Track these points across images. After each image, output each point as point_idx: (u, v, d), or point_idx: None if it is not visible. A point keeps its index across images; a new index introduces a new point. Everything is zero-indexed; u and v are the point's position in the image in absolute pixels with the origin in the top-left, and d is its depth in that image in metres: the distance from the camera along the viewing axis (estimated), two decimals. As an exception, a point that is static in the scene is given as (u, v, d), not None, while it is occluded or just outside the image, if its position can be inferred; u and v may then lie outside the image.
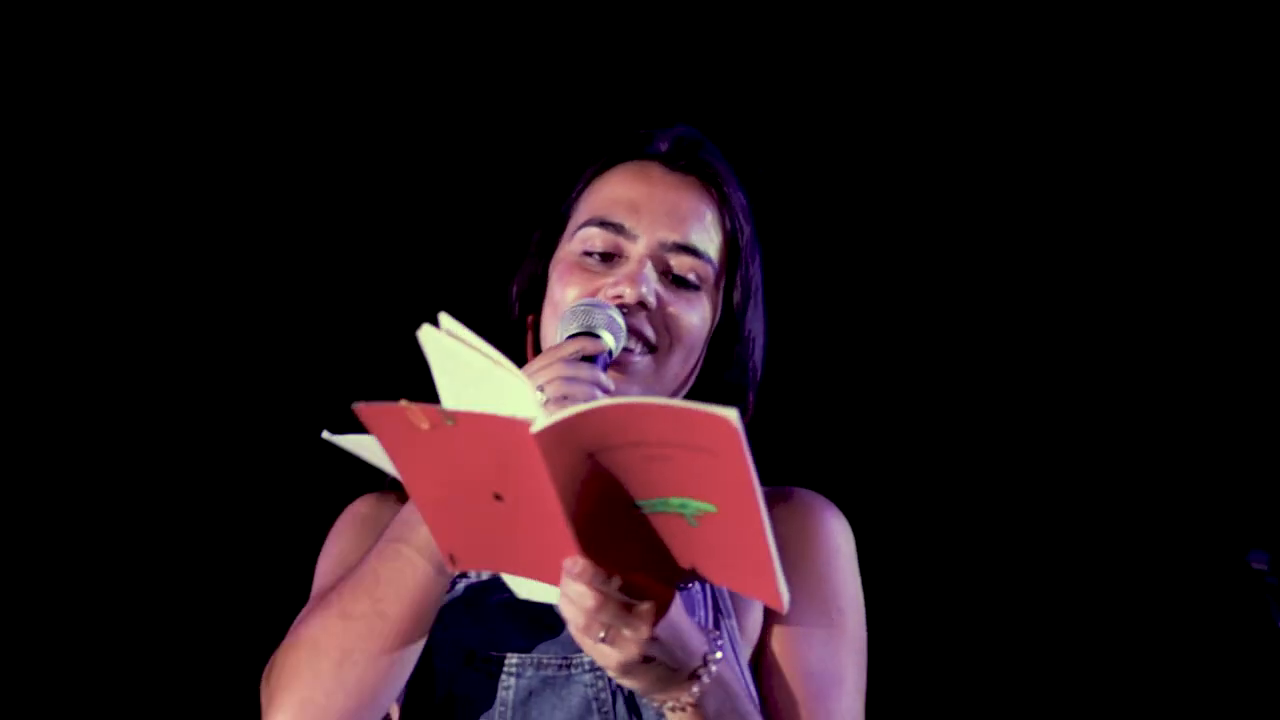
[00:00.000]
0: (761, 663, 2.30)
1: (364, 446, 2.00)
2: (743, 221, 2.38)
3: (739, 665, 2.25)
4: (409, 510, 2.15)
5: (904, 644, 3.49)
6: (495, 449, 1.84)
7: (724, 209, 2.37)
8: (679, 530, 1.87)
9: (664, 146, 2.39)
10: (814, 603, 2.31)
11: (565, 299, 2.31)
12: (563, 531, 1.87)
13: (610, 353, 2.20)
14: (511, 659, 2.21)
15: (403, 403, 1.86)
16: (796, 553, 2.32)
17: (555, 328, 2.25)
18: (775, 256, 2.49)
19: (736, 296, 2.37)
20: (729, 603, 2.28)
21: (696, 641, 2.00)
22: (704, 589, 2.27)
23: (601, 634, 1.91)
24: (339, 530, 2.40)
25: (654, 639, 1.92)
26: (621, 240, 2.32)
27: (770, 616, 2.31)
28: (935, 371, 3.59)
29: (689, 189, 2.37)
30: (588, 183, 2.39)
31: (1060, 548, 3.56)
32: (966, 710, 3.58)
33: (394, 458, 1.92)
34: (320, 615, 2.13)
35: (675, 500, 1.85)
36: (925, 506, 3.59)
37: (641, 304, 2.28)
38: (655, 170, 2.38)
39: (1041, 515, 3.56)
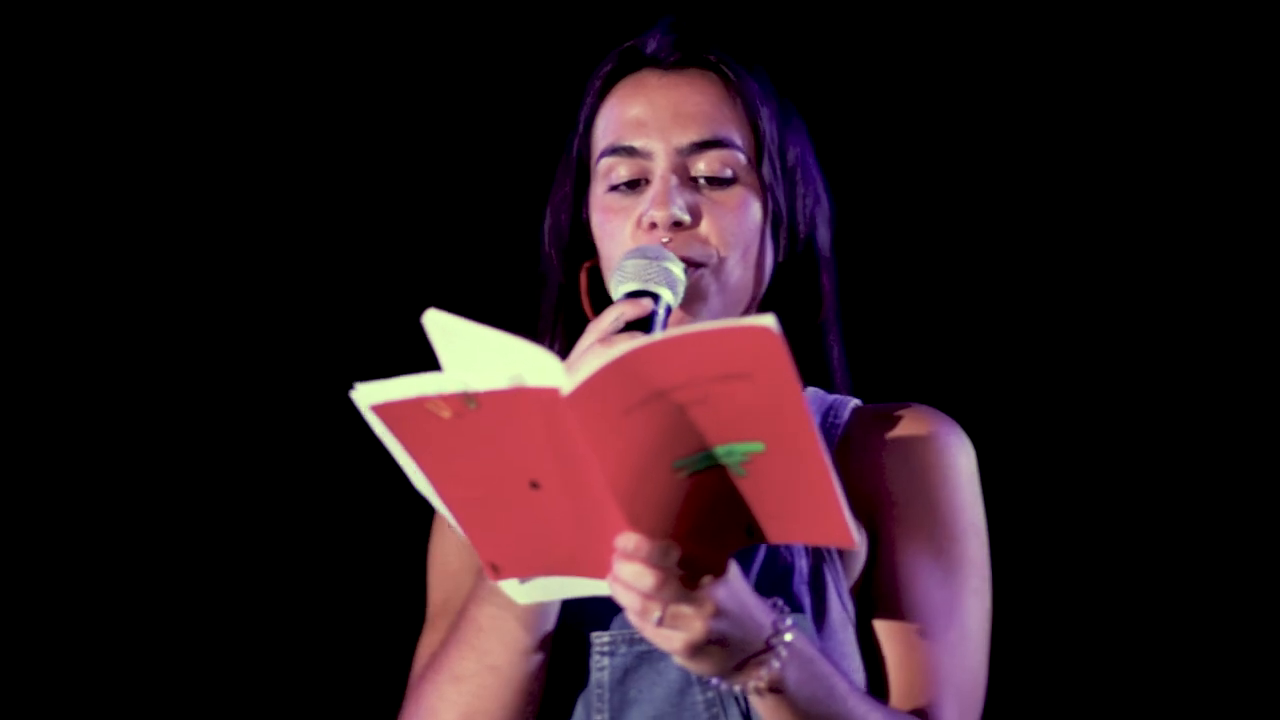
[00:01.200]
0: (869, 599, 2.14)
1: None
2: (758, 97, 2.21)
3: (845, 609, 2.10)
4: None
5: (1030, 590, 3.31)
6: (526, 428, 1.70)
7: (733, 91, 2.21)
8: (728, 486, 1.71)
9: (651, 48, 2.25)
10: (924, 528, 2.15)
11: (610, 250, 2.17)
12: (609, 512, 1.72)
13: (669, 307, 2.07)
14: (603, 637, 2.10)
15: (411, 381, 1.73)
16: (905, 473, 2.16)
17: (613, 285, 2.11)
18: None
19: (766, 174, 2.20)
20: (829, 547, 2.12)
21: (763, 612, 1.84)
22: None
23: (660, 615, 1.76)
24: (435, 534, 2.29)
25: (719, 612, 1.78)
26: (640, 162, 2.19)
27: (877, 548, 2.14)
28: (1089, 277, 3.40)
29: (690, 83, 2.22)
30: (593, 114, 2.25)
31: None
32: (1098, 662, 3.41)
33: (418, 461, 1.77)
34: (432, 681, 2.04)
35: (720, 449, 1.69)
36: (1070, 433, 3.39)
37: (677, 223, 2.15)
38: (651, 78, 2.23)
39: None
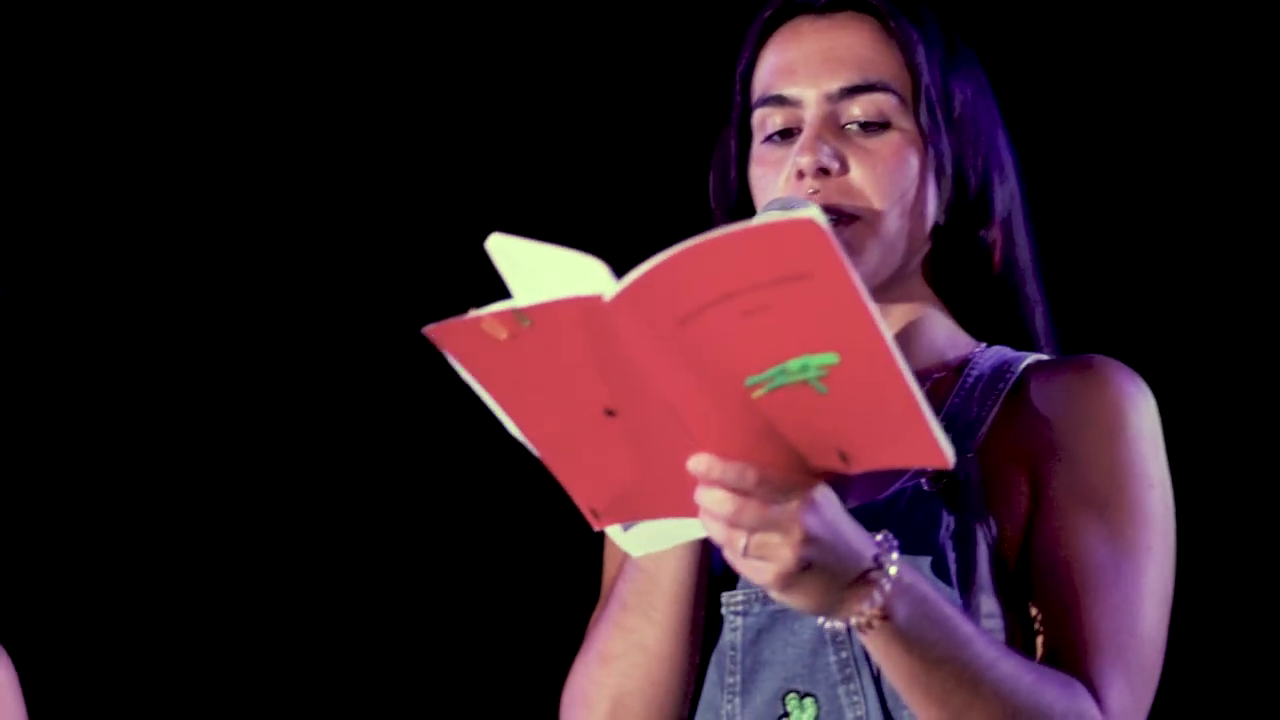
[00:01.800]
0: (1027, 559, 2.01)
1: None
2: (917, 38, 2.11)
3: (995, 568, 1.99)
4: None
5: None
6: (585, 345, 1.63)
7: (889, 33, 2.11)
8: (810, 404, 1.61)
9: None
10: (1089, 482, 2.01)
11: (762, 201, 2.10)
12: (687, 438, 1.64)
13: None
14: (735, 596, 2.01)
15: (471, 313, 1.66)
16: (1072, 425, 2.03)
17: None
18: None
19: (925, 121, 2.09)
20: (981, 502, 2.00)
21: (861, 540, 1.73)
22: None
23: (744, 543, 1.67)
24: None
25: (809, 539, 1.67)
26: (792, 111, 2.10)
27: (1039, 503, 2.01)
28: None
29: (843, 26, 2.13)
30: (751, 65, 2.17)
31: None
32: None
33: (490, 391, 1.70)
34: (582, 662, 2.00)
35: (794, 364, 1.59)
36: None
37: (824, 170, 2.06)
38: (804, 24, 2.14)
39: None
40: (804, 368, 1.59)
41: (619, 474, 1.72)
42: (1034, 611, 1.99)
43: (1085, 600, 1.97)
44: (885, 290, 2.09)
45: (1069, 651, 1.96)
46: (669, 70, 3.43)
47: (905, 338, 2.11)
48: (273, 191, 3.53)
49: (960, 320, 2.15)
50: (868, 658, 1.95)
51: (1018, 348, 2.15)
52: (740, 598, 2.01)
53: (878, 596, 1.74)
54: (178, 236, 3.52)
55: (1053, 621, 1.98)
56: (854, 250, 2.05)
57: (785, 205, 2.02)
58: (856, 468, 1.66)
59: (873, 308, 1.56)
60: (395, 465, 3.54)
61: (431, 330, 1.68)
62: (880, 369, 1.57)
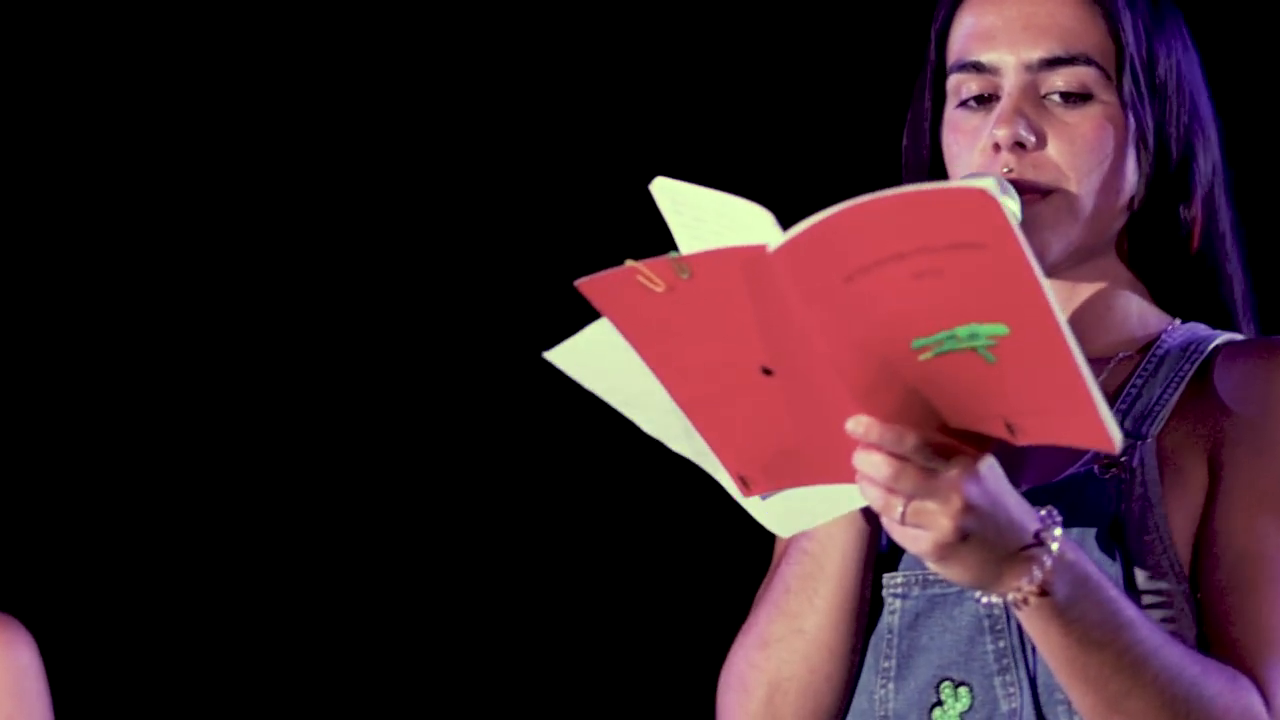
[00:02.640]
0: (1201, 547, 1.92)
1: (589, 366, 1.73)
2: (1120, 4, 2.03)
3: (1169, 560, 1.91)
4: None
5: None
6: (746, 298, 1.59)
7: (1094, 0, 2.03)
8: (977, 372, 1.57)
9: None
10: (1269, 471, 1.92)
11: (956, 173, 2.04)
12: (848, 399, 1.60)
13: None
14: (895, 578, 1.96)
15: (629, 263, 1.61)
16: (1257, 409, 1.95)
17: None
18: None
19: (1128, 92, 2.01)
20: (1156, 489, 1.93)
21: (1024, 514, 1.68)
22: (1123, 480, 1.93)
23: (901, 509, 1.63)
24: None
25: (969, 508, 1.63)
26: (989, 78, 2.03)
27: (1215, 492, 1.93)
28: None
29: None
30: (947, 25, 2.09)
31: None
32: None
33: (641, 348, 1.66)
34: (742, 645, 1.95)
35: (963, 331, 1.55)
36: None
37: (1020, 144, 1.99)
38: None
39: None
40: (973, 335, 1.55)
41: (773, 437, 1.68)
42: (1204, 603, 1.91)
43: (1256, 596, 1.88)
44: (1076, 266, 2.01)
45: (1237, 646, 1.87)
46: (859, 20, 3.37)
47: (1093, 315, 2.04)
48: (276, 187, 3.52)
49: (1157, 296, 2.07)
50: (1024, 648, 1.89)
51: (1215, 326, 2.06)
52: (900, 580, 1.96)
53: (1037, 573, 1.69)
54: (183, 231, 3.51)
55: (1222, 615, 1.89)
56: (1046, 226, 1.98)
57: (985, 179, 1.95)
58: (1023, 440, 1.61)
59: (1045, 284, 1.52)
60: (396, 464, 3.51)
61: (584, 283, 1.64)
62: (1050, 347, 1.53)
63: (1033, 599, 1.70)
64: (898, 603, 1.95)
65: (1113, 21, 2.02)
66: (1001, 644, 1.91)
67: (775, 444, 1.69)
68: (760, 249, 1.55)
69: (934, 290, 1.54)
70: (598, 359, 1.70)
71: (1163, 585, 1.90)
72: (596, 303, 1.66)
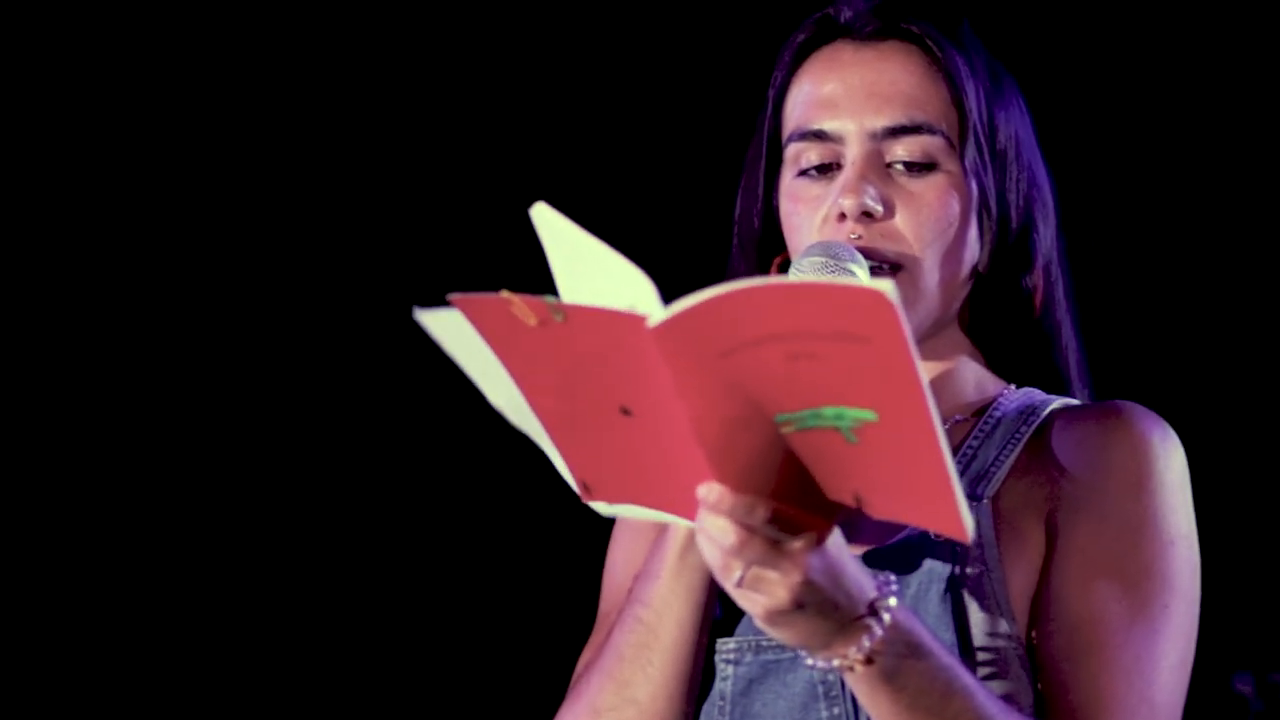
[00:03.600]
0: (1040, 611, 1.91)
1: (456, 337, 1.71)
2: (964, 73, 2.00)
3: (1003, 625, 1.89)
4: (650, 556, 1.90)
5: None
6: (616, 352, 1.59)
7: (936, 66, 2.00)
8: (836, 449, 1.57)
9: (846, 16, 2.03)
10: (1108, 534, 1.91)
11: (797, 242, 2.00)
12: (696, 453, 1.60)
13: None
14: (728, 644, 1.94)
15: (504, 293, 1.61)
16: (1094, 473, 1.93)
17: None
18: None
19: (970, 161, 1.99)
20: (992, 551, 1.92)
21: (861, 583, 1.66)
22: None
23: (740, 575, 1.61)
24: (614, 540, 2.13)
25: (807, 582, 1.61)
26: (832, 146, 1.99)
27: (1053, 554, 1.92)
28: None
29: (888, 58, 2.01)
30: (783, 91, 2.05)
31: None
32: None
33: (504, 360, 1.67)
34: (572, 712, 1.92)
35: (829, 411, 1.55)
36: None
37: (867, 214, 1.95)
38: (845, 52, 2.02)
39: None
40: (839, 416, 1.56)
41: (621, 463, 1.69)
42: (1041, 668, 1.90)
43: (1094, 659, 1.88)
44: (922, 341, 1.99)
45: (1076, 713, 1.87)
46: (702, 81, 3.40)
47: (934, 387, 2.00)
48: (273, 191, 3.53)
49: (993, 361, 2.06)
50: (858, 715, 1.88)
51: (1050, 391, 2.06)
52: (733, 645, 1.94)
53: (866, 642, 1.67)
54: (181, 233, 3.52)
55: (1059, 681, 1.89)
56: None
57: (829, 252, 1.92)
58: (870, 512, 1.61)
59: (924, 382, 1.52)
60: (393, 463, 3.53)
61: (458, 299, 1.64)
62: (920, 441, 1.53)
63: (859, 666, 1.68)
64: (730, 669, 1.93)
65: (955, 89, 2.00)
66: (836, 710, 1.89)
67: (622, 468, 1.69)
68: (640, 321, 1.55)
69: (807, 371, 1.54)
70: (468, 333, 1.68)
71: (999, 646, 1.90)
72: (468, 316, 1.65)
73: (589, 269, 1.62)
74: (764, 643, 1.91)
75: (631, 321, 1.55)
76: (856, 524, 1.89)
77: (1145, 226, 3.27)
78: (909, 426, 1.53)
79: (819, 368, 1.53)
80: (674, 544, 1.87)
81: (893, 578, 1.69)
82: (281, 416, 3.48)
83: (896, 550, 1.91)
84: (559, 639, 3.44)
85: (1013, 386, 2.05)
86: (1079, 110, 3.22)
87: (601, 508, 1.76)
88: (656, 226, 3.28)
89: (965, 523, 1.54)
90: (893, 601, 1.68)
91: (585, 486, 1.73)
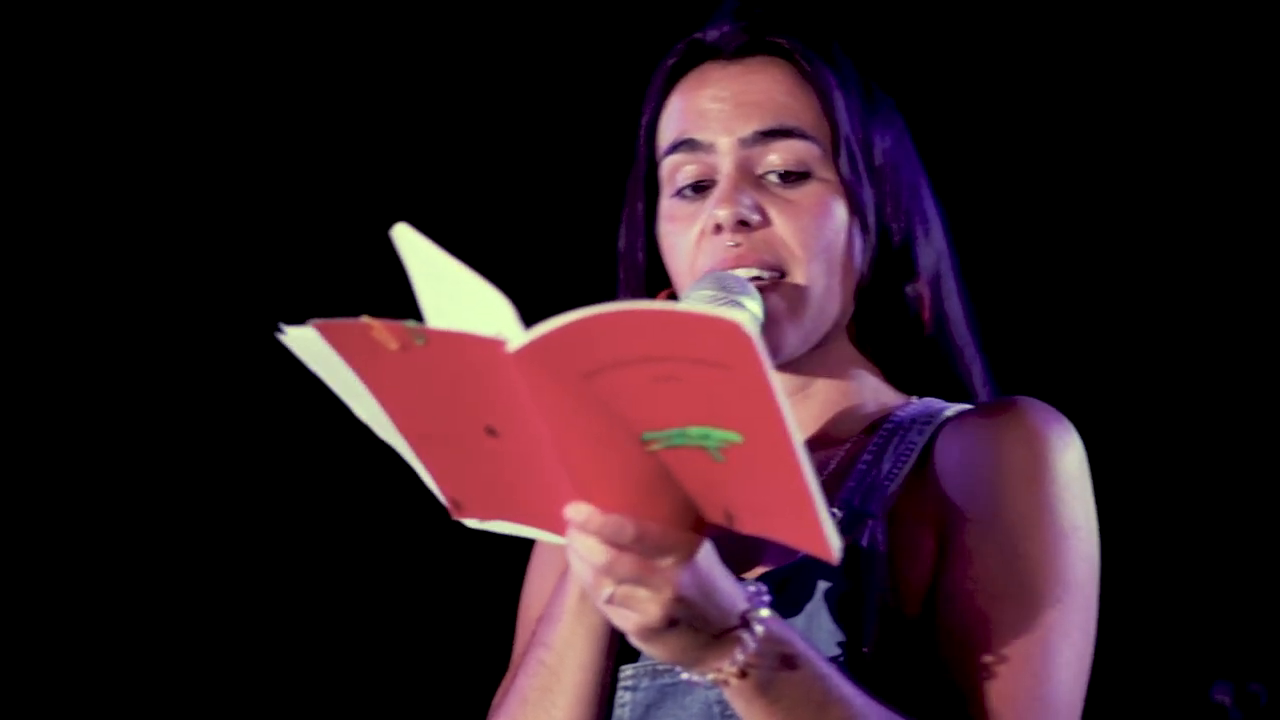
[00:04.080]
0: (936, 617, 1.90)
1: (318, 356, 1.71)
2: (834, 84, 2.00)
3: (893, 631, 1.89)
4: (553, 598, 1.91)
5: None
6: (476, 374, 1.60)
7: (805, 78, 2.00)
8: (703, 467, 1.57)
9: (713, 37, 2.04)
10: (1000, 536, 1.88)
11: (675, 265, 1.99)
12: (564, 472, 1.61)
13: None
14: (626, 670, 1.93)
15: (364, 319, 1.61)
16: (986, 474, 1.91)
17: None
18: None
19: (845, 170, 1.98)
20: (885, 566, 1.90)
21: (733, 597, 1.66)
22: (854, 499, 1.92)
23: (610, 592, 1.62)
24: (530, 565, 2.13)
25: (678, 599, 1.61)
26: (705, 158, 1.99)
27: (946, 558, 1.90)
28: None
29: (757, 71, 2.01)
30: (656, 117, 2.05)
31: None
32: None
33: (369, 385, 1.68)
34: None
35: (695, 431, 1.56)
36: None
37: (744, 223, 1.95)
38: (712, 70, 2.03)
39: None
40: (705, 436, 1.56)
41: (491, 481, 1.69)
42: (941, 672, 1.88)
43: (988, 659, 1.86)
44: (811, 354, 1.99)
45: (972, 714, 1.85)
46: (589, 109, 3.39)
47: (829, 401, 2.03)
48: (269, 193, 3.54)
49: (892, 376, 2.05)
50: None
51: (953, 401, 2.04)
52: (630, 672, 1.93)
53: (739, 654, 1.67)
54: (179, 234, 3.54)
55: (958, 683, 1.87)
56: (782, 317, 1.96)
57: (720, 284, 1.91)
58: (740, 529, 1.61)
59: (785, 407, 1.52)
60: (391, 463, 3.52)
61: (319, 324, 1.64)
62: (782, 464, 1.54)
63: (734, 680, 1.67)
64: (627, 695, 1.93)
65: (827, 100, 2.00)
66: None
67: (491, 487, 1.70)
68: (499, 345, 1.56)
69: (671, 393, 1.55)
70: (330, 352, 1.69)
71: (895, 657, 1.88)
72: (329, 341, 1.66)
73: (451, 291, 1.63)
74: (660, 667, 1.91)
75: (491, 346, 1.56)
76: (754, 553, 1.92)
77: (1049, 234, 3.30)
78: (771, 450, 1.54)
79: (683, 390, 1.54)
80: (574, 585, 1.87)
81: (765, 589, 1.69)
82: (279, 416, 3.49)
83: (793, 570, 1.91)
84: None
85: (914, 399, 2.05)
86: (970, 115, 3.26)
87: (472, 523, 1.76)
88: (547, 259, 3.31)
89: (830, 543, 1.55)
90: (764, 613, 1.68)
91: (455, 503, 1.73)
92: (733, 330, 1.49)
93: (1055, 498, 1.90)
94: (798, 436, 1.53)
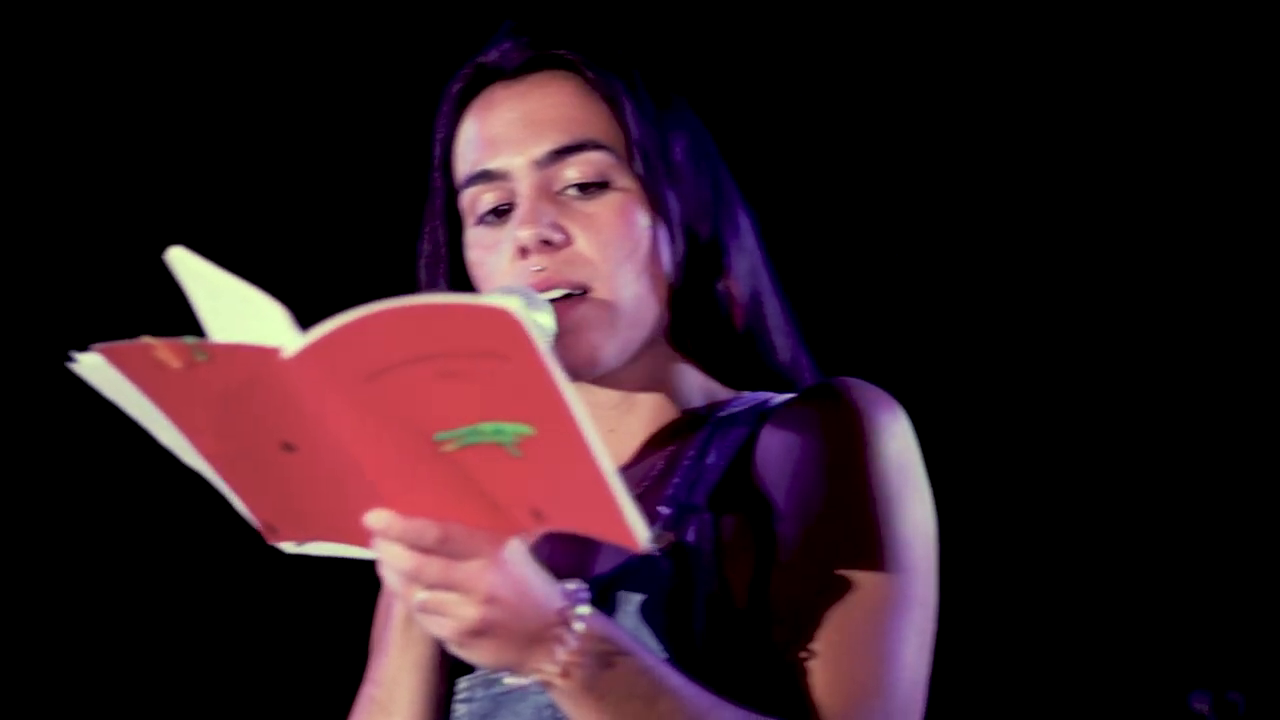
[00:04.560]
0: (768, 606, 1.88)
1: (112, 383, 1.68)
2: (623, 90, 1.99)
3: (721, 620, 1.87)
4: (383, 633, 1.90)
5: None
6: (261, 386, 1.58)
7: (592, 88, 1.99)
8: (504, 464, 1.56)
9: (494, 58, 2.02)
10: (830, 521, 1.87)
11: (487, 291, 1.98)
12: (366, 482, 1.59)
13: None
14: (461, 683, 1.91)
15: (145, 339, 1.59)
16: (812, 459, 1.89)
17: None
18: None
19: (641, 173, 1.97)
20: (712, 559, 1.89)
21: (548, 595, 1.64)
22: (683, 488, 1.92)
23: (423, 599, 1.60)
24: (378, 608, 2.11)
25: (491, 598, 1.60)
26: (502, 185, 1.97)
27: (774, 545, 1.88)
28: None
29: (542, 87, 2.00)
30: (448, 145, 2.04)
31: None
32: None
33: (161, 408, 1.65)
34: None
35: (487, 427, 1.55)
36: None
37: (547, 243, 1.94)
38: (498, 92, 2.01)
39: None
40: (498, 431, 1.55)
41: (296, 500, 1.67)
42: (777, 663, 1.86)
43: (822, 642, 1.84)
44: (630, 364, 1.98)
45: (808, 700, 1.83)
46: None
47: (654, 407, 2.01)
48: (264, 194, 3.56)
49: (722, 374, 2.04)
50: None
51: (783, 393, 2.02)
52: (464, 685, 1.91)
53: (560, 654, 1.66)
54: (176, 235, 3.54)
55: (795, 667, 1.84)
56: (592, 326, 1.94)
57: (514, 295, 1.89)
58: (549, 527, 1.61)
59: (568, 393, 1.52)
60: None
61: (102, 348, 1.63)
62: (574, 454, 1.53)
63: (558, 680, 1.67)
64: (462, 708, 1.91)
65: (617, 107, 1.98)
66: None
67: (299, 505, 1.68)
68: (274, 352, 1.55)
69: (458, 390, 1.53)
70: (122, 379, 1.67)
71: (728, 651, 1.86)
72: (114, 365, 1.64)
73: (232, 308, 1.62)
74: (493, 677, 1.89)
75: (268, 355, 1.55)
76: (591, 555, 1.92)
77: (885, 225, 3.35)
78: (562, 438, 1.53)
79: (469, 385, 1.53)
80: (398, 619, 1.86)
81: (583, 586, 1.68)
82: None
83: (622, 572, 1.89)
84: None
85: (744, 394, 2.03)
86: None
87: (289, 547, 1.75)
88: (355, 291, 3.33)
89: (635, 530, 1.55)
90: (583, 609, 1.67)
91: (268, 527, 1.71)
92: (501, 316, 1.48)
93: (881, 476, 1.88)
94: (586, 422, 1.52)
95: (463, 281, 2.03)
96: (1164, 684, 3.26)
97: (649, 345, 2.00)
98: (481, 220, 2.00)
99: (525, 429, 1.54)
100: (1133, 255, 3.36)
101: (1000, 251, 3.37)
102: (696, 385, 2.03)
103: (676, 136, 2.02)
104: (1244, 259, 3.32)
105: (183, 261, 1.64)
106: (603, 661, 1.68)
